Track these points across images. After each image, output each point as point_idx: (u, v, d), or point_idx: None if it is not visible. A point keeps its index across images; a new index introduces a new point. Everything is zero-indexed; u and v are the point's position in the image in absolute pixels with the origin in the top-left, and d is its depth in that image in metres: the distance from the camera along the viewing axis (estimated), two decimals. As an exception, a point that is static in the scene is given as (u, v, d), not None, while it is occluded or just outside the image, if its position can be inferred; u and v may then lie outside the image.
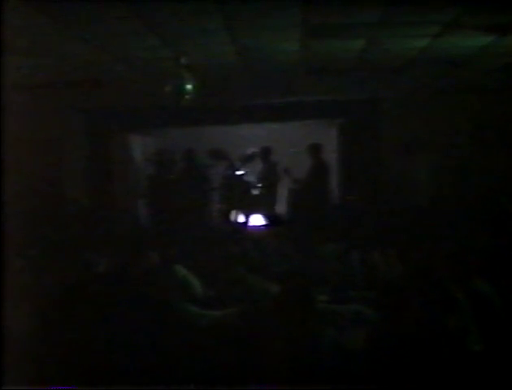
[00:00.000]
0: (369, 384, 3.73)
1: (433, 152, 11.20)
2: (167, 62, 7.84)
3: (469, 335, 3.98)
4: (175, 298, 5.04)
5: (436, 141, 11.29)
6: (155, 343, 4.07)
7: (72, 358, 3.94)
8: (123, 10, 5.78)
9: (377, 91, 11.27)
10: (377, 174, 11.69)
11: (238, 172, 12.04)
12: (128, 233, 9.93)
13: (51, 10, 5.74)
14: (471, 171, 10.95)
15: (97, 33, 6.67)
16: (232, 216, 12.09)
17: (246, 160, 12.07)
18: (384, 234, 7.77)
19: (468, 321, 4.09)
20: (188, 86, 7.75)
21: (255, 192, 12.13)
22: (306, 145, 11.86)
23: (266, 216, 11.94)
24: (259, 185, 12.15)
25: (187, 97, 7.81)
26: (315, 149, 11.77)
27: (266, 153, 12.12)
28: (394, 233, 7.82)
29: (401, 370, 3.63)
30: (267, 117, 12.38)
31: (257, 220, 11.81)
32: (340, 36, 7.23)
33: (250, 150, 12.14)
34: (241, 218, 12.00)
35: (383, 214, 9.58)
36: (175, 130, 12.99)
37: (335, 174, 12.58)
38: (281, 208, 12.36)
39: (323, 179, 11.76)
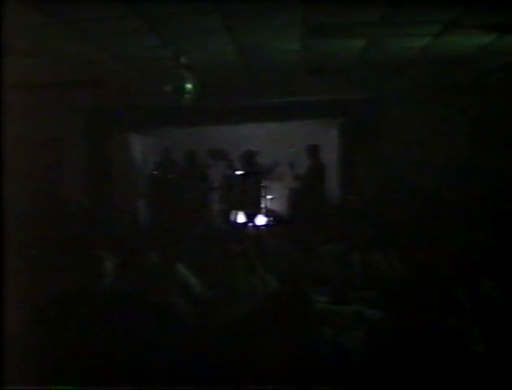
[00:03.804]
0: (369, 385, 3.72)
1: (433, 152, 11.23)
2: (167, 61, 7.84)
3: (471, 335, 3.97)
4: (175, 299, 5.04)
5: (436, 141, 11.29)
6: (155, 343, 4.06)
7: (72, 358, 3.93)
8: (123, 9, 5.79)
9: (377, 91, 11.27)
10: (377, 174, 11.69)
11: (238, 172, 12.05)
12: (127, 233, 9.93)
13: (51, 10, 5.74)
14: (471, 171, 10.95)
15: (97, 33, 6.67)
16: (232, 216, 12.11)
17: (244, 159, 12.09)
18: (384, 234, 7.76)
19: (470, 322, 4.08)
20: (188, 86, 7.75)
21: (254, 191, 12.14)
22: (305, 145, 11.89)
23: (266, 215, 11.99)
24: (263, 185, 12.17)
25: (187, 96, 7.81)
26: (313, 150, 11.79)
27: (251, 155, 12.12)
28: (395, 233, 7.81)
29: (401, 370, 3.62)
30: (267, 117, 12.38)
31: (257, 220, 11.85)
32: (341, 36, 7.23)
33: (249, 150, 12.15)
34: (241, 218, 12.02)
35: (383, 214, 9.58)
36: (175, 130, 12.99)
37: (335, 174, 12.59)
38: (282, 208, 12.37)
39: (321, 179, 11.77)
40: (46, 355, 3.94)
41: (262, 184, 12.23)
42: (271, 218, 11.88)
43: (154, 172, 12.40)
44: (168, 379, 3.82)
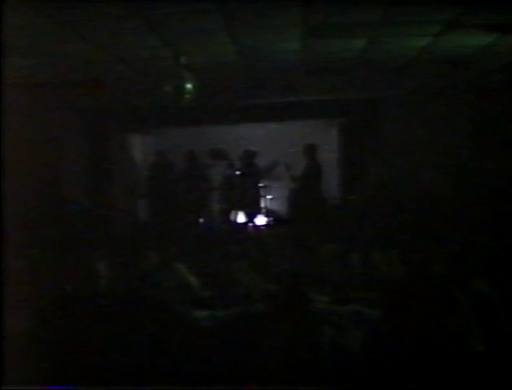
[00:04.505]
0: (369, 385, 3.72)
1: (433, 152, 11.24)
2: (167, 61, 7.84)
3: (470, 335, 3.97)
4: (175, 299, 5.04)
5: (436, 141, 11.30)
6: (155, 343, 4.06)
7: (72, 358, 3.93)
8: (123, 9, 5.78)
9: (377, 91, 11.27)
10: (377, 174, 11.70)
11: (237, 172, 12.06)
12: (127, 233, 9.93)
13: (51, 10, 5.73)
14: (471, 171, 10.95)
15: (97, 33, 6.66)
16: (232, 216, 12.11)
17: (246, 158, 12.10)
18: (384, 234, 7.76)
19: (469, 322, 4.08)
20: (188, 86, 7.75)
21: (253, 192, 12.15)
22: (302, 145, 11.89)
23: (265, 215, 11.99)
24: (263, 185, 12.19)
25: (187, 96, 7.81)
26: (310, 150, 11.79)
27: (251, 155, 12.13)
28: (394, 233, 7.81)
29: (401, 370, 3.62)
30: (267, 117, 12.39)
31: (257, 220, 11.85)
32: (341, 36, 7.22)
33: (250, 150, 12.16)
34: (241, 218, 12.02)
35: (383, 214, 9.58)
36: (175, 130, 12.99)
37: (335, 174, 12.59)
38: (282, 208, 12.38)
39: (318, 179, 11.78)
40: (46, 355, 3.95)
41: (262, 184, 12.24)
42: (271, 218, 11.88)
43: (150, 173, 12.41)
44: (168, 378, 3.82)
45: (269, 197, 12.44)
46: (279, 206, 12.50)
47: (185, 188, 12.12)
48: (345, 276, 6.42)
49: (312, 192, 11.62)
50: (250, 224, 11.66)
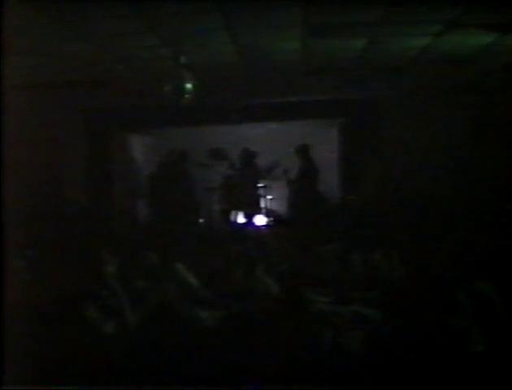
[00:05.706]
0: (369, 385, 3.72)
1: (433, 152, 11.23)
2: (167, 61, 7.84)
3: (471, 336, 3.97)
4: (175, 299, 5.04)
5: (436, 141, 11.29)
6: (155, 343, 4.06)
7: (72, 358, 3.93)
8: (123, 9, 5.78)
9: (377, 91, 11.27)
10: (377, 174, 11.69)
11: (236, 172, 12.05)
12: (128, 233, 9.93)
13: (51, 10, 5.74)
14: (471, 171, 10.94)
15: (97, 33, 6.67)
16: (232, 216, 12.11)
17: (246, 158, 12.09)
18: (384, 234, 7.76)
19: (470, 322, 4.08)
20: (188, 86, 7.76)
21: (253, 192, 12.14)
22: (295, 146, 11.89)
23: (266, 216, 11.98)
24: (263, 185, 12.18)
25: (187, 96, 7.82)
26: (303, 151, 11.78)
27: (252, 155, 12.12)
28: (394, 233, 7.81)
29: (401, 370, 3.62)
30: (267, 117, 12.39)
31: (257, 220, 11.84)
32: (341, 36, 7.23)
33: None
34: (241, 218, 12.01)
35: (383, 214, 9.57)
36: (175, 130, 12.98)
37: (335, 174, 12.59)
38: (282, 208, 12.38)
39: (314, 179, 11.77)
40: (46, 355, 3.95)
41: (262, 184, 12.24)
42: (271, 219, 11.88)
43: (160, 172, 12.35)
44: (168, 378, 3.82)
45: (269, 197, 12.44)
46: (279, 206, 12.49)
47: (184, 188, 12.09)
48: (345, 276, 6.41)
49: (309, 192, 11.62)
50: (250, 224, 11.66)
